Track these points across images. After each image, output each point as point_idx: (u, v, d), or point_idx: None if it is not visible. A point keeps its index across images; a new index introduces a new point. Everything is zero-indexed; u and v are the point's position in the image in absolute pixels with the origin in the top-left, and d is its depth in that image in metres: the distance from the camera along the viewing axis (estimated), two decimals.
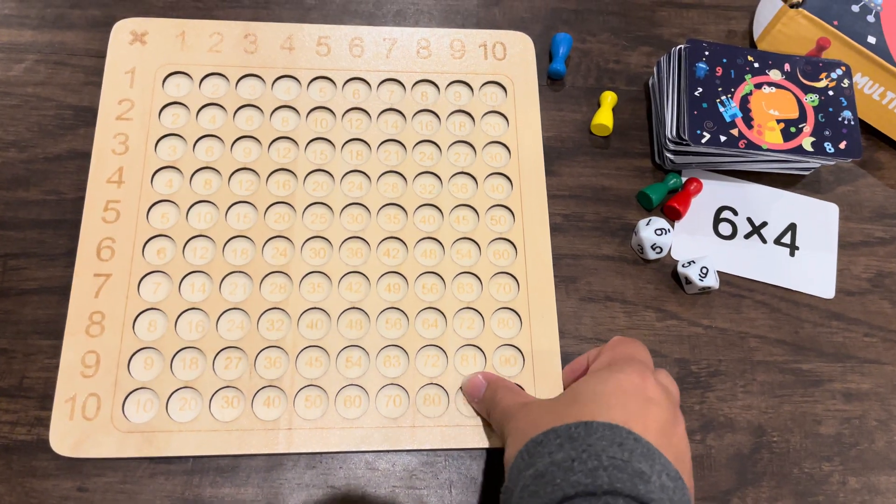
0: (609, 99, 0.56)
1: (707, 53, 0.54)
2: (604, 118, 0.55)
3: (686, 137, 0.50)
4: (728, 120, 0.51)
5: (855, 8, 0.57)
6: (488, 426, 0.45)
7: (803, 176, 0.57)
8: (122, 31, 0.53)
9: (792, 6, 0.57)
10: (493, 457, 0.46)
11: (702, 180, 0.54)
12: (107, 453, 0.43)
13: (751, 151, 0.51)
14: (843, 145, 0.52)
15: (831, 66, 0.55)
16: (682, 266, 0.51)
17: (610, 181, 0.54)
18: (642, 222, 0.51)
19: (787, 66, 0.54)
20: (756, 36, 0.60)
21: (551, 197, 0.53)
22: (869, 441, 0.49)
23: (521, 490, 0.35)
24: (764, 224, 0.54)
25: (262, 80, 0.53)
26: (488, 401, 0.44)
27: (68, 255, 0.47)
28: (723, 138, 0.51)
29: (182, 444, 0.43)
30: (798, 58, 0.55)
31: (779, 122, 0.52)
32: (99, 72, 0.52)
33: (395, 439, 0.45)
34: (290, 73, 0.53)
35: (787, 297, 0.52)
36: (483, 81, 0.55)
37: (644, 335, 0.50)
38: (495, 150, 0.53)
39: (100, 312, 0.46)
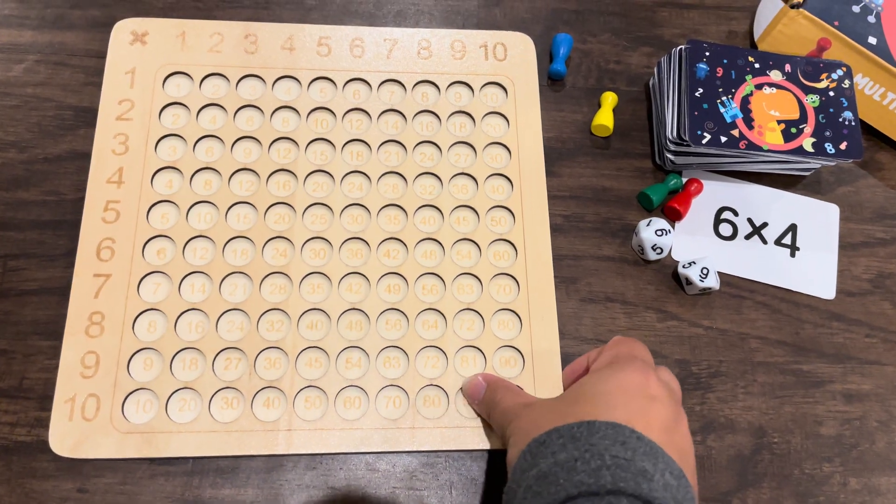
0: (609, 99, 0.56)
1: (708, 54, 0.53)
2: (604, 119, 0.55)
3: (686, 138, 0.50)
4: (729, 120, 0.51)
5: (856, 8, 0.57)
6: (488, 427, 0.45)
7: (804, 177, 0.57)
8: (123, 31, 0.53)
9: (793, 7, 0.57)
10: (494, 458, 0.46)
11: (702, 181, 0.54)
12: (106, 454, 0.43)
13: (751, 152, 0.51)
14: (843, 146, 0.52)
15: (832, 66, 0.55)
16: (683, 267, 0.51)
17: (610, 182, 0.54)
18: (643, 223, 0.51)
19: (787, 67, 0.54)
20: (757, 36, 0.60)
21: (552, 198, 0.53)
22: (870, 442, 0.49)
23: (525, 490, 0.34)
24: (764, 225, 0.54)
25: (263, 80, 0.53)
26: (488, 402, 0.44)
27: (68, 256, 0.47)
28: (723, 139, 0.51)
29: (181, 444, 0.43)
30: (799, 58, 0.55)
31: (779, 122, 0.52)
32: (99, 72, 0.52)
33: (394, 440, 0.45)
34: (291, 73, 0.53)
35: (787, 298, 0.52)
36: (484, 82, 0.55)
37: (644, 336, 0.50)
38: (496, 150, 0.53)
39: (99, 313, 0.46)
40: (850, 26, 0.56)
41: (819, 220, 0.55)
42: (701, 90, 0.52)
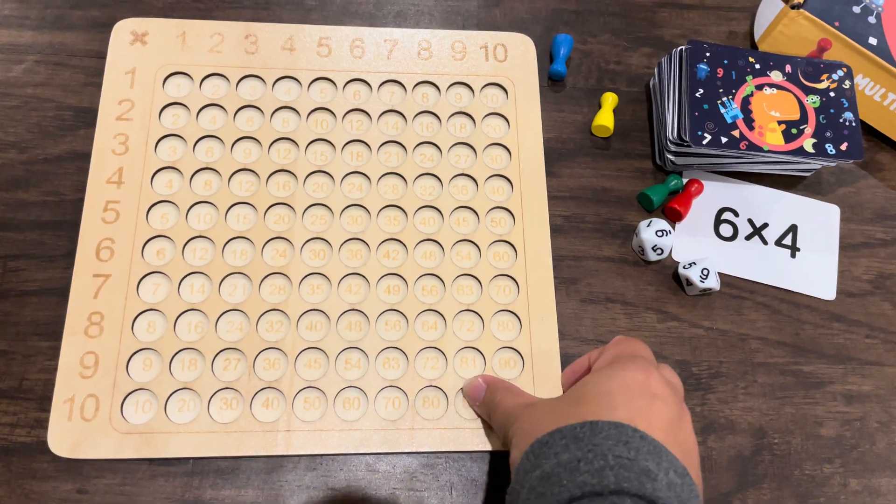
0: (610, 100, 0.56)
1: (708, 54, 0.53)
2: (605, 119, 0.55)
3: (687, 139, 0.50)
4: (729, 121, 0.51)
5: (856, 9, 0.57)
6: (488, 429, 0.45)
7: (804, 177, 0.56)
8: (123, 31, 0.53)
9: (793, 7, 0.57)
10: (494, 459, 0.45)
11: (703, 181, 0.54)
12: (105, 454, 0.43)
13: (752, 153, 0.51)
14: (844, 147, 0.52)
15: (832, 67, 0.55)
16: (683, 267, 0.50)
17: (611, 182, 0.54)
18: (643, 224, 0.51)
19: (788, 68, 0.54)
20: (757, 37, 0.60)
21: (552, 198, 0.53)
22: (870, 443, 0.49)
23: (528, 492, 0.34)
24: (765, 225, 0.54)
25: (263, 80, 0.53)
26: (488, 403, 0.44)
27: (68, 257, 0.47)
28: (724, 140, 0.51)
29: (180, 445, 0.43)
30: (799, 59, 0.55)
31: (780, 123, 0.52)
32: (99, 73, 0.52)
33: (393, 441, 0.45)
34: (291, 73, 0.53)
35: (787, 299, 0.52)
36: (484, 83, 0.55)
37: (645, 337, 0.50)
38: (496, 151, 0.53)
39: (99, 313, 0.46)
40: (851, 27, 0.56)
41: (819, 220, 0.55)
42: (701, 91, 0.52)
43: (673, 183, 0.54)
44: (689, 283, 0.50)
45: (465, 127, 0.54)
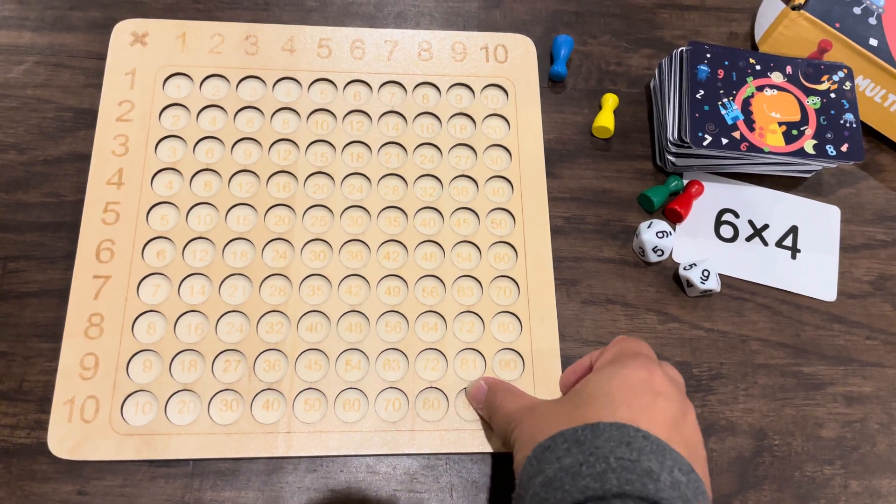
0: (610, 101, 0.56)
1: (708, 56, 0.53)
2: (605, 120, 0.55)
3: (688, 140, 0.50)
4: (730, 122, 0.51)
5: (857, 10, 0.57)
6: (488, 430, 0.45)
7: (805, 178, 0.56)
8: (123, 32, 0.53)
9: (794, 8, 0.57)
10: (495, 460, 0.45)
11: (703, 183, 0.54)
12: (105, 456, 0.43)
13: (752, 154, 0.51)
14: (844, 148, 0.52)
15: (833, 68, 0.55)
16: (684, 269, 0.50)
17: (611, 183, 0.54)
18: (643, 225, 0.51)
19: (788, 69, 0.54)
20: (757, 38, 0.60)
21: (552, 199, 0.53)
22: (870, 444, 0.49)
23: (531, 497, 0.34)
24: (765, 227, 0.54)
25: (263, 81, 0.53)
26: (489, 405, 0.44)
27: (68, 258, 0.47)
28: (724, 141, 0.50)
29: (180, 447, 0.43)
30: (800, 60, 0.55)
31: (780, 124, 0.52)
32: (99, 73, 0.52)
33: (394, 443, 0.44)
34: (291, 74, 0.53)
35: (788, 300, 0.52)
36: (484, 84, 0.55)
37: (645, 338, 0.50)
38: (496, 153, 0.53)
39: (99, 314, 0.46)
40: (852, 28, 0.56)
41: (820, 221, 0.55)
42: (702, 92, 0.52)
43: (673, 184, 0.54)
44: (690, 284, 0.50)
45: (466, 128, 0.54)
